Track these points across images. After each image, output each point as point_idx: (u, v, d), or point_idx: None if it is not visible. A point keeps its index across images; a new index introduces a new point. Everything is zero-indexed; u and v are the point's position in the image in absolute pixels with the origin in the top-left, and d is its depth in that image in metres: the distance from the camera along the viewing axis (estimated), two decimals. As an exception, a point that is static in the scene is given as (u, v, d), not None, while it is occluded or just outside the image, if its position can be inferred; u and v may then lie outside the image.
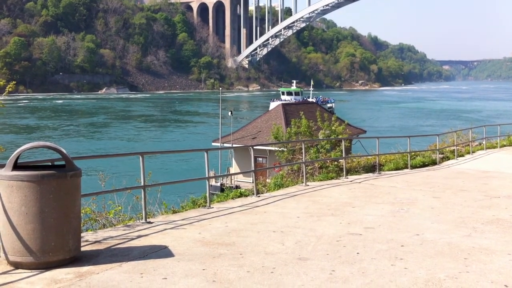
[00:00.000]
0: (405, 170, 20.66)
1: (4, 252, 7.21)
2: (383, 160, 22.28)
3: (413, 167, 21.34)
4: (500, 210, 12.56)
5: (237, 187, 33.36)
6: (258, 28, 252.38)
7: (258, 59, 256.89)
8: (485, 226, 10.75)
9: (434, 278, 7.33)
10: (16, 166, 7.18)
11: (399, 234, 9.89)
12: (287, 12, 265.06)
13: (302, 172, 17.12)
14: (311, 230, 10.06)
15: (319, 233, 9.82)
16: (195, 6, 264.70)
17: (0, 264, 7.29)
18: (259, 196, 13.83)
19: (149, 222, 10.34)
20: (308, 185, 15.88)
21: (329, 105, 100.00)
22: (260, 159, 39.84)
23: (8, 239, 7.10)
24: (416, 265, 7.92)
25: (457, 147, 26.44)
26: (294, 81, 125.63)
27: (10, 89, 14.22)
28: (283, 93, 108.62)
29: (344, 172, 18.08)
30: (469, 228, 10.52)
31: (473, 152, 27.46)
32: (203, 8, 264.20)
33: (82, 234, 8.50)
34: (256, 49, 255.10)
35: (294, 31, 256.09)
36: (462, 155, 26.13)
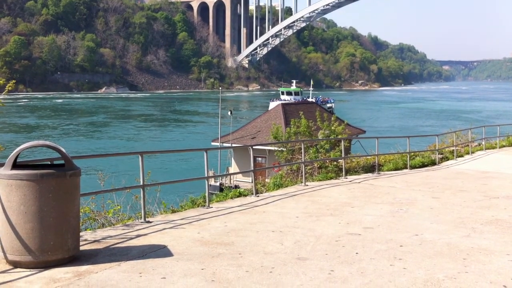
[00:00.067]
0: (405, 170, 20.67)
1: (3, 251, 7.20)
2: (383, 160, 22.28)
3: (413, 167, 21.34)
4: (499, 211, 12.57)
5: (236, 186, 33.38)
6: (258, 27, 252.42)
7: (258, 58, 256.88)
8: (484, 227, 10.76)
9: (433, 278, 7.34)
10: (15, 165, 7.18)
11: (398, 234, 9.89)
12: (288, 12, 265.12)
13: (302, 172, 17.12)
14: (310, 230, 10.06)
15: (318, 233, 9.82)
16: (195, 5, 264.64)
17: (-1, 263, 7.29)
18: (258, 196, 13.82)
19: (148, 222, 10.34)
20: (307, 185, 15.88)
21: (328, 105, 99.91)
22: (259, 159, 39.84)
23: (7, 238, 7.10)
24: (415, 265, 7.92)
25: (457, 148, 26.45)
26: (294, 81, 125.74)
27: (10, 88, 14.22)
28: (282, 93, 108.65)
29: (344, 172, 18.08)
30: (468, 229, 10.52)
31: (473, 152, 27.47)
32: (203, 7, 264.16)
33: (81, 233, 8.50)
34: (256, 48, 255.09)
35: (294, 30, 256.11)
36: (462, 156, 26.15)
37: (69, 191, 7.31)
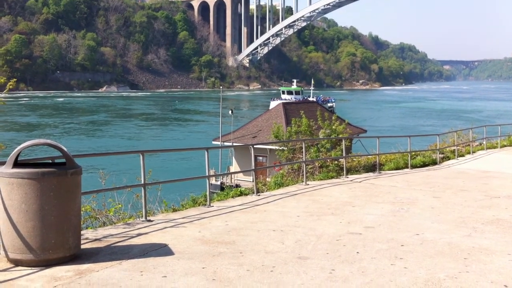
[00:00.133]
0: (406, 170, 20.66)
1: (4, 250, 7.21)
2: (384, 160, 22.28)
3: (414, 166, 21.34)
4: (500, 210, 12.56)
5: (237, 185, 33.38)
6: (259, 27, 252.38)
7: (258, 58, 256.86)
8: (485, 226, 10.75)
9: (434, 277, 7.33)
10: (17, 164, 7.19)
11: (399, 233, 9.89)
12: (288, 11, 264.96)
13: (302, 171, 17.12)
14: (311, 229, 10.06)
15: (319, 232, 9.82)
16: (196, 4, 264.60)
17: (0, 262, 7.29)
18: (259, 195, 13.83)
19: (149, 220, 10.35)
20: (308, 184, 15.88)
21: (329, 104, 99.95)
22: (260, 158, 39.83)
23: (8, 237, 7.10)
24: (416, 264, 7.91)
25: (458, 147, 26.43)
26: (295, 80, 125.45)
27: (10, 87, 14.20)
28: (283, 92, 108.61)
29: (345, 172, 18.08)
30: (469, 228, 10.52)
31: (474, 152, 27.46)
32: (204, 6, 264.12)
33: (82, 232, 8.50)
34: (257, 48, 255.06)
35: (295, 30, 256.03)
36: (463, 155, 26.13)
37: (70, 189, 7.31)
